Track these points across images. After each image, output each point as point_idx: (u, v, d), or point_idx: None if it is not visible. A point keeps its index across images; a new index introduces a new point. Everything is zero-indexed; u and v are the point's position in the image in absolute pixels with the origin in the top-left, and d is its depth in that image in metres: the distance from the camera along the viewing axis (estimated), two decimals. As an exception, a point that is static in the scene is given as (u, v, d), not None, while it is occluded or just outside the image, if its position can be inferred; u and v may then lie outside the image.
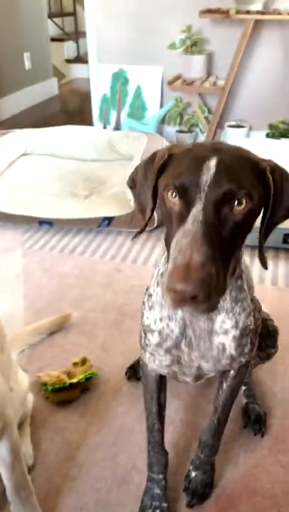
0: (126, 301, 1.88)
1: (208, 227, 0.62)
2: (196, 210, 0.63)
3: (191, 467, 1.18)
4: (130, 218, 2.34)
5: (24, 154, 3.13)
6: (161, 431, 1.10)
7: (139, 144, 2.84)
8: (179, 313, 0.85)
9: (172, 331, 0.88)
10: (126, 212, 2.33)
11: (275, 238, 2.18)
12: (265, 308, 1.18)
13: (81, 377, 1.44)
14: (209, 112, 3.56)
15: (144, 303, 0.94)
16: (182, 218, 0.65)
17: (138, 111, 3.71)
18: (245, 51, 3.22)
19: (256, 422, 1.33)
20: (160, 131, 3.66)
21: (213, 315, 0.85)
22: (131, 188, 0.87)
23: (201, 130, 3.59)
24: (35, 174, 2.86)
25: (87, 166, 3.02)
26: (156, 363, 0.96)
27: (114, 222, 2.35)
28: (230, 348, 0.88)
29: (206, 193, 0.63)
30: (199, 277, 0.59)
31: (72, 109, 4.88)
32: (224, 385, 1.04)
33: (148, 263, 2.17)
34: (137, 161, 2.58)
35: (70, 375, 1.47)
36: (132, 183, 0.85)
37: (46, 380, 1.43)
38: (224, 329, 0.86)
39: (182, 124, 3.61)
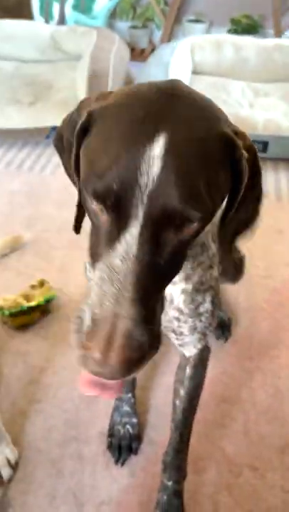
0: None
1: (145, 265, 0.43)
2: (130, 237, 0.43)
3: None
4: (83, 127, 2.11)
5: None
6: None
7: (87, 41, 2.49)
8: None
9: None
10: (77, 121, 2.10)
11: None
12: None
13: (40, 299, 1.35)
14: (166, 3, 3.16)
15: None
16: (110, 239, 0.45)
17: (84, 2, 3.24)
18: None
19: (219, 327, 1.33)
20: (111, 28, 3.25)
21: None
22: (57, 147, 0.62)
23: (156, 25, 3.22)
24: None
25: (29, 67, 2.65)
26: None
27: (65, 132, 2.12)
28: (179, 301, 0.70)
29: (146, 208, 0.42)
30: (124, 358, 0.42)
31: (9, 4, 4.20)
32: (181, 392, 0.88)
33: (105, 177, 2.00)
34: (85, 62, 2.28)
35: (28, 298, 1.37)
36: (59, 142, 0.60)
37: (2, 305, 1.33)
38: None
39: (135, 18, 3.21)
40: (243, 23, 3.02)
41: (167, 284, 0.50)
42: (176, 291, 0.70)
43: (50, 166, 2.06)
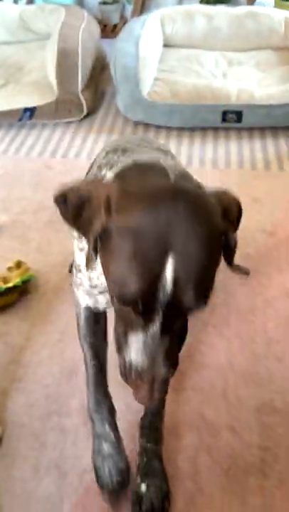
0: (59, 199, 1.74)
1: (167, 342, 0.61)
2: (155, 327, 0.60)
3: (138, 477, 0.95)
4: (54, 108, 2.09)
5: None
6: (97, 365, 1.00)
7: (56, 19, 2.44)
8: None
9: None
10: (49, 101, 2.08)
11: (213, 117, 2.04)
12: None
13: (17, 280, 1.35)
14: (135, -24, 3.08)
15: (74, 237, 0.81)
16: (140, 327, 0.61)
17: (52, -21, 3.15)
18: None
19: None
20: (81, 5, 3.17)
21: None
22: (58, 205, 0.70)
23: (127, 0, 3.15)
24: None
25: (-1, 50, 2.60)
26: (92, 302, 0.91)
27: (37, 114, 2.09)
28: None
29: (164, 311, 0.58)
30: (161, 396, 0.62)
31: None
32: None
33: (80, 156, 1.99)
34: (54, 40, 2.23)
35: (5, 280, 1.37)
36: (62, 201, 0.69)
37: (-21, 288, 1.33)
38: None
39: (105, -7, 3.13)
40: (216, -7, 2.95)
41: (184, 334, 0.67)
42: None
43: (24, 148, 2.04)
